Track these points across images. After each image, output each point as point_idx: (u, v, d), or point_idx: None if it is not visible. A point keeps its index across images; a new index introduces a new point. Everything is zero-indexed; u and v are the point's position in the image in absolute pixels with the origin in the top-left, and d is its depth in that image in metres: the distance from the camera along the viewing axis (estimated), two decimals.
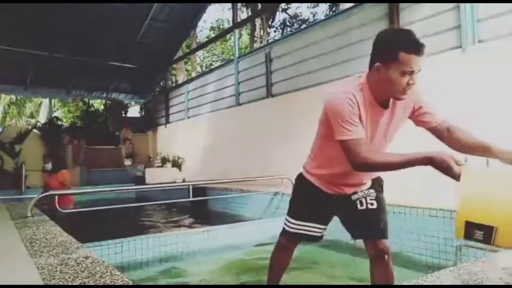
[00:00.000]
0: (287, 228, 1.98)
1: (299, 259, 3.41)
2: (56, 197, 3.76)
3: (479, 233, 1.27)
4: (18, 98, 16.68)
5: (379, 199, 1.86)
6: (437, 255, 3.15)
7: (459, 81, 4.15)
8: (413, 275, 2.81)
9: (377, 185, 1.90)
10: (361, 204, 1.83)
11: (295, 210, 1.98)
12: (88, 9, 9.24)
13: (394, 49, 1.49)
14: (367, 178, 1.87)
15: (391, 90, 1.56)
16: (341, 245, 3.54)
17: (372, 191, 1.86)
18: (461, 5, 4.21)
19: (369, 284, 1.92)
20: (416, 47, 1.49)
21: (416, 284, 1.13)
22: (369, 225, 1.83)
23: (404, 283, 1.17)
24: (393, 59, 1.49)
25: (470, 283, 1.14)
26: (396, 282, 1.88)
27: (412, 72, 1.51)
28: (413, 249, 3.31)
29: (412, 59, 1.48)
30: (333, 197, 1.87)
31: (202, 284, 2.98)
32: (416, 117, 1.75)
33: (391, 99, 1.64)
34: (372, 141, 1.68)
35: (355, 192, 1.85)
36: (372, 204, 1.83)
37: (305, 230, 1.93)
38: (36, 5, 8.58)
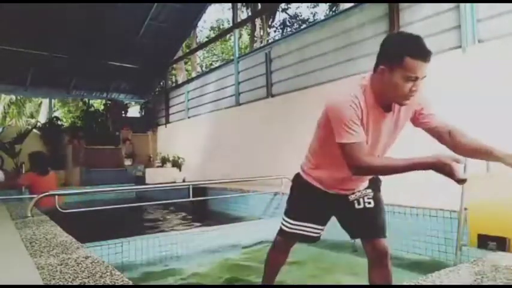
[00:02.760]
0: (284, 228, 1.97)
1: (299, 259, 3.41)
2: (56, 197, 3.76)
3: (492, 244, 1.28)
4: (18, 98, 16.69)
5: (376, 198, 1.86)
6: (437, 255, 3.15)
7: (459, 81, 4.15)
8: (414, 275, 2.81)
9: (374, 185, 1.90)
10: (359, 204, 1.84)
11: (293, 210, 1.97)
12: (88, 9, 9.25)
13: (400, 53, 1.47)
14: (365, 180, 1.87)
15: (393, 95, 1.54)
16: (341, 245, 3.54)
17: (369, 190, 1.86)
18: (461, 5, 4.21)
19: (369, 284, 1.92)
20: (423, 53, 1.46)
21: (416, 284, 1.13)
22: (367, 224, 1.83)
23: (404, 283, 1.17)
24: (398, 63, 1.47)
25: (471, 283, 1.14)
26: (396, 282, 1.88)
27: (416, 78, 1.48)
28: (413, 249, 3.31)
29: (417, 64, 1.45)
30: (331, 196, 1.86)
31: (202, 284, 2.98)
32: (417, 118, 1.73)
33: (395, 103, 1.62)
34: (377, 144, 1.67)
35: (352, 193, 1.85)
36: (369, 203, 1.83)
37: (302, 230, 1.92)
38: (36, 5, 8.58)
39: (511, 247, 1.27)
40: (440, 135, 1.69)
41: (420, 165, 1.44)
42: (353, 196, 1.85)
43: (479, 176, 1.40)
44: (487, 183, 1.42)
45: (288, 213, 1.99)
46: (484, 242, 1.28)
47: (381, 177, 1.94)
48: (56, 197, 3.74)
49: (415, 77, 1.47)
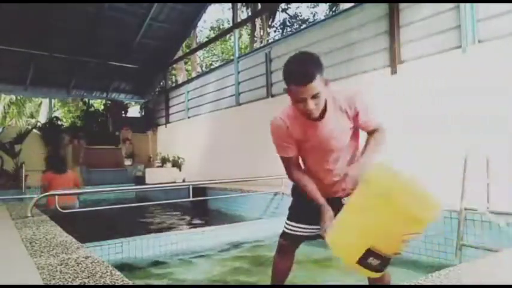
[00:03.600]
0: (287, 230, 2.02)
1: (299, 259, 3.41)
2: (56, 197, 3.77)
3: (375, 261, 1.32)
4: (18, 98, 16.69)
5: None
6: (437, 255, 3.15)
7: (459, 81, 4.15)
8: (414, 275, 2.81)
9: None
10: None
11: (294, 213, 2.03)
12: (88, 9, 9.25)
13: (285, 81, 1.65)
14: (349, 183, 1.90)
15: (300, 112, 1.72)
16: None
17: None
18: (461, 5, 4.21)
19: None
20: (298, 80, 1.58)
21: (416, 284, 1.13)
22: None
23: (405, 283, 1.17)
24: (287, 90, 1.66)
25: (471, 283, 1.14)
26: (396, 282, 1.88)
27: (304, 99, 1.60)
28: (413, 249, 3.31)
29: (298, 89, 1.59)
30: (327, 200, 1.89)
31: (202, 284, 2.98)
32: (355, 122, 1.82)
33: (326, 111, 1.74)
34: (318, 150, 1.83)
35: (346, 195, 1.90)
36: None
37: (305, 232, 1.97)
38: (36, 5, 8.58)
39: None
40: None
41: (316, 200, 1.78)
42: (346, 199, 1.89)
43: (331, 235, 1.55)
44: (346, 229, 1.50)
45: (290, 216, 2.06)
46: (368, 259, 1.32)
47: None
48: (56, 197, 3.74)
49: (302, 98, 1.61)
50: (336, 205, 1.86)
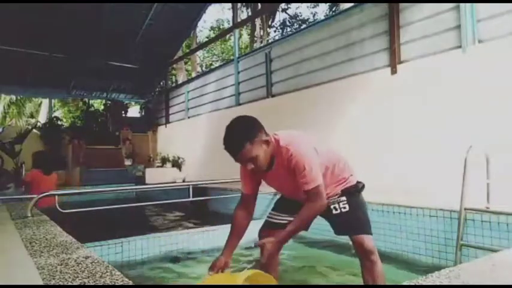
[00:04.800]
0: (270, 219, 2.26)
1: (299, 259, 3.41)
2: (56, 197, 3.75)
3: None
4: (18, 98, 16.68)
5: (351, 202, 2.07)
6: (437, 255, 3.15)
7: (459, 81, 4.15)
8: (413, 275, 2.81)
9: (347, 193, 2.10)
10: (336, 210, 2.08)
11: (278, 204, 2.28)
12: (88, 9, 9.24)
13: None
14: (329, 188, 2.05)
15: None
16: (341, 245, 3.54)
17: (343, 198, 2.08)
18: (461, 5, 4.21)
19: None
20: (229, 152, 1.82)
21: (416, 284, 1.13)
22: (346, 224, 2.06)
23: (405, 283, 1.17)
24: None
25: (470, 283, 1.14)
26: (396, 282, 1.88)
27: (241, 163, 1.88)
28: (413, 249, 3.31)
29: (233, 158, 1.85)
30: None
31: (202, 284, 2.98)
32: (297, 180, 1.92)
33: (273, 163, 1.93)
34: (281, 190, 2.21)
35: (327, 199, 2.01)
36: (344, 208, 2.07)
37: (286, 220, 2.13)
38: (36, 5, 8.58)
39: None
40: None
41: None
42: (329, 203, 2.05)
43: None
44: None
45: (274, 208, 2.31)
46: None
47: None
48: (56, 197, 3.74)
49: (240, 162, 1.86)
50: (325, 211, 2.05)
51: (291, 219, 2.01)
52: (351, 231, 2.03)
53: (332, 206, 2.07)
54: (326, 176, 2.00)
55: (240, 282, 1.62)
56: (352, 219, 2.04)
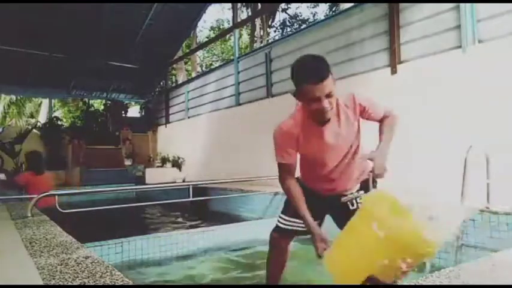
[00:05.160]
0: (280, 224, 2.07)
1: (299, 258, 3.41)
2: (56, 197, 3.75)
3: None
4: (18, 98, 16.67)
5: None
6: (437, 255, 3.15)
7: (459, 81, 4.15)
8: (413, 275, 2.81)
9: (367, 186, 1.92)
10: (352, 205, 1.91)
11: (289, 207, 2.03)
12: (88, 9, 9.24)
13: (297, 81, 1.64)
14: (351, 181, 1.94)
15: (311, 115, 1.70)
16: None
17: (362, 192, 1.92)
18: (461, 5, 4.21)
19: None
20: (313, 76, 1.57)
21: (416, 284, 1.13)
22: None
23: (405, 283, 1.17)
24: (299, 90, 1.65)
25: (470, 283, 1.14)
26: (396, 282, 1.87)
27: (319, 98, 1.59)
28: None
29: (312, 88, 1.58)
30: (325, 198, 1.94)
31: (202, 284, 2.98)
32: (363, 115, 1.87)
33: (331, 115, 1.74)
34: (325, 155, 1.83)
35: (345, 195, 1.92)
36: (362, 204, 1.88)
37: (297, 226, 1.98)
38: (36, 5, 8.58)
39: None
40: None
41: (305, 220, 1.74)
42: (345, 198, 1.91)
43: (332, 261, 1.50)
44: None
45: (284, 210, 2.09)
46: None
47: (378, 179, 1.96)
48: (56, 197, 3.73)
49: (317, 97, 1.59)
50: (336, 203, 1.90)
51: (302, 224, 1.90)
52: None
53: (349, 202, 1.92)
54: (350, 163, 1.86)
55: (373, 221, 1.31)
56: None
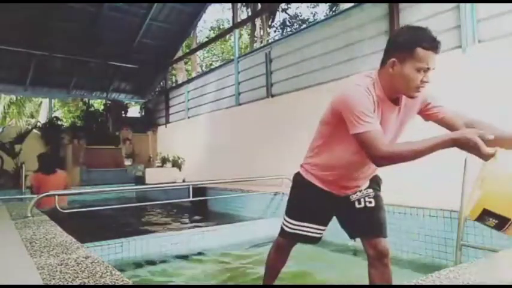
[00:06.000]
0: (285, 228, 1.95)
1: (298, 259, 3.41)
2: (56, 197, 3.76)
3: (492, 220, 1.26)
4: (18, 98, 16.68)
5: (377, 198, 1.86)
6: (437, 255, 3.15)
7: (459, 81, 4.15)
8: (414, 275, 2.81)
9: (375, 184, 1.90)
10: (359, 203, 1.84)
11: (294, 210, 1.95)
12: (88, 9, 9.24)
13: (412, 44, 1.48)
14: (367, 178, 1.86)
15: (404, 87, 1.54)
16: (341, 244, 3.54)
17: (370, 190, 1.87)
18: (461, 5, 4.21)
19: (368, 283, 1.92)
20: (434, 44, 1.47)
21: (416, 284, 1.13)
22: (368, 223, 1.83)
23: (405, 283, 1.17)
24: (410, 54, 1.48)
25: (470, 283, 1.14)
26: (396, 282, 1.87)
27: (427, 69, 1.49)
28: (414, 249, 3.31)
29: (428, 55, 1.46)
30: (332, 196, 1.85)
31: (201, 284, 2.98)
32: (424, 112, 1.76)
33: (403, 97, 1.63)
34: (392, 131, 1.69)
35: (354, 192, 1.85)
36: (370, 202, 1.84)
37: (303, 231, 1.90)
38: (36, 5, 8.58)
39: (510, 228, 1.25)
40: (447, 123, 1.75)
41: (443, 143, 1.40)
42: (354, 196, 1.85)
43: (505, 158, 1.34)
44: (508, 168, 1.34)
45: (288, 213, 1.96)
46: (485, 217, 1.26)
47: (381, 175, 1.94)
48: (56, 197, 3.74)
49: (426, 67, 1.48)
50: (344, 201, 1.84)
51: (312, 228, 1.86)
52: (373, 232, 1.79)
53: (356, 200, 1.82)
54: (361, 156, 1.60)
55: None
56: (377, 217, 1.80)
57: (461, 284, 1.13)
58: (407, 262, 3.25)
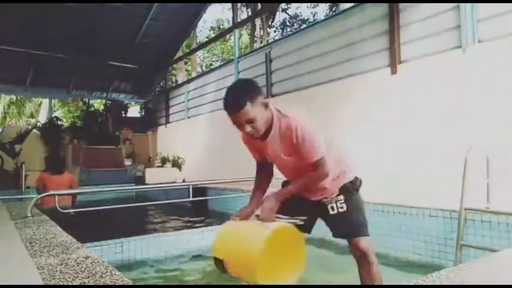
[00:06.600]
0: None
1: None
2: (56, 197, 3.76)
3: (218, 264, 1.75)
4: (18, 98, 16.68)
5: (349, 201, 2.01)
6: (437, 255, 3.15)
7: (459, 81, 4.15)
8: (413, 275, 2.81)
9: (346, 191, 2.03)
10: (333, 210, 2.02)
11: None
12: (88, 9, 9.24)
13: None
14: (325, 187, 2.00)
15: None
16: (340, 244, 3.54)
17: (341, 197, 2.02)
18: (461, 5, 4.21)
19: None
20: (228, 108, 1.74)
21: (416, 284, 1.13)
22: (342, 226, 2.01)
23: (404, 283, 1.17)
24: None
25: (470, 283, 1.14)
26: (396, 282, 1.88)
27: (240, 124, 1.76)
28: (414, 249, 3.31)
29: (231, 117, 1.76)
30: (309, 201, 2.04)
31: (202, 284, 2.98)
32: (298, 152, 1.87)
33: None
34: (274, 162, 2.05)
35: (325, 198, 2.02)
36: (342, 207, 2.01)
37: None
38: (36, 5, 8.58)
39: (228, 268, 1.74)
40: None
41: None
42: (327, 202, 2.02)
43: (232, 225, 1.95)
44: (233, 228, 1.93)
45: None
46: (217, 262, 1.78)
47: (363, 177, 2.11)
48: (56, 196, 3.74)
49: (237, 123, 1.77)
50: (320, 206, 2.03)
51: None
52: (348, 234, 1.99)
53: (329, 206, 2.02)
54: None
55: (265, 232, 1.64)
56: (350, 220, 1.98)
57: (461, 284, 1.13)
58: (407, 262, 3.25)
